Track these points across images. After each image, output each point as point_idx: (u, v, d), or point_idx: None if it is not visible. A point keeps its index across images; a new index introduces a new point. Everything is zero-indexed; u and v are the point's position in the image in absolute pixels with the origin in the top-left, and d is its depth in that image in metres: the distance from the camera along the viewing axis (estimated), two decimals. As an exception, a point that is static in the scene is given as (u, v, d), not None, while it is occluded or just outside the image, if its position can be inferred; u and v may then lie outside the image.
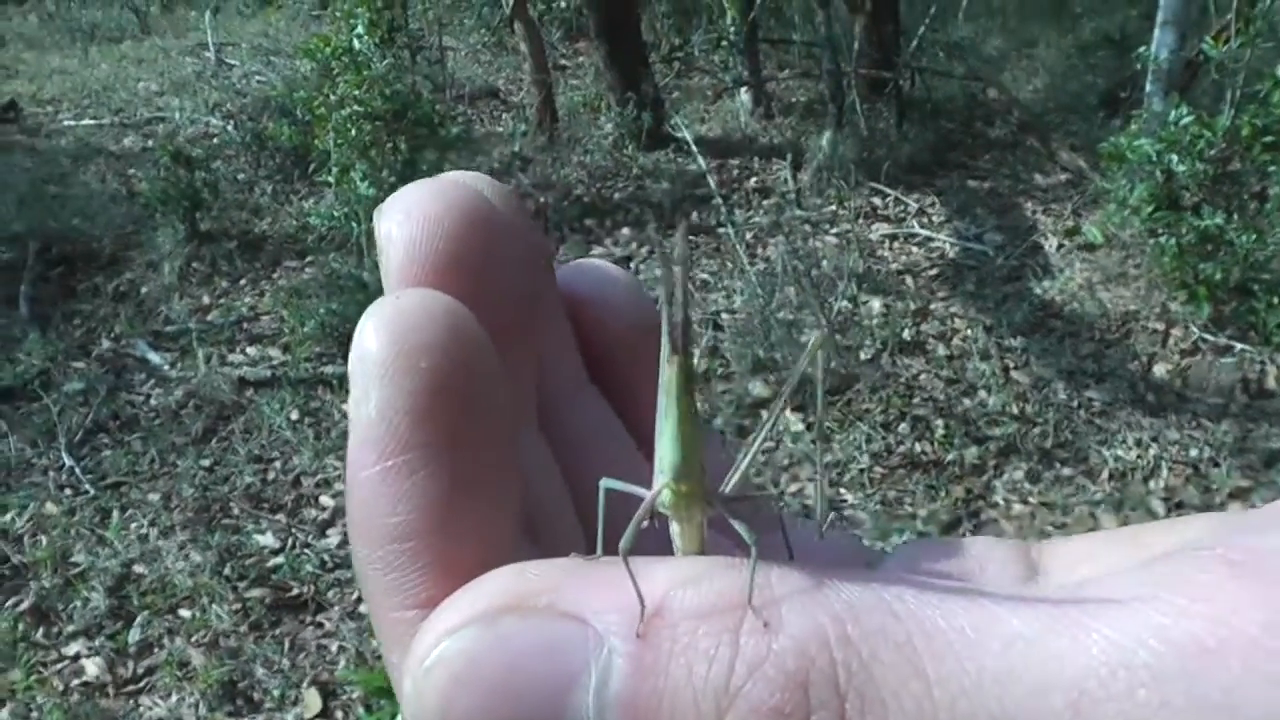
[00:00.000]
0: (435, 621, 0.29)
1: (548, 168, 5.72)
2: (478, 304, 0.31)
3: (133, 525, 3.40)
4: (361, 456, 0.30)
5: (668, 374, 0.31)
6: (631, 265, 4.79)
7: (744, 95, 6.37)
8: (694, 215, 5.13)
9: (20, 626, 3.01)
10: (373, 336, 0.30)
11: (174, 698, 2.81)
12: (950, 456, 3.49)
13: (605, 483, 0.33)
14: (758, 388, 3.86)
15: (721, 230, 4.81)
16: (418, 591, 0.30)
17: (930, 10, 6.16)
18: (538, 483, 0.33)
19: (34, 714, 2.77)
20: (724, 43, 6.65)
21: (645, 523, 0.32)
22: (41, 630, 2.98)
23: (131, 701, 2.82)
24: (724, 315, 4.27)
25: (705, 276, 4.61)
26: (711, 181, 5.09)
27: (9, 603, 3.10)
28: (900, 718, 0.25)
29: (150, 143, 6.46)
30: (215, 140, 6.40)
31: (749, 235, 4.89)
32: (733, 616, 0.27)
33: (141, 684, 2.87)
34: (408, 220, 0.33)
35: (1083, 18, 7.47)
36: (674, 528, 0.33)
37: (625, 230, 5.08)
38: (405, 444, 0.30)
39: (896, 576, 0.28)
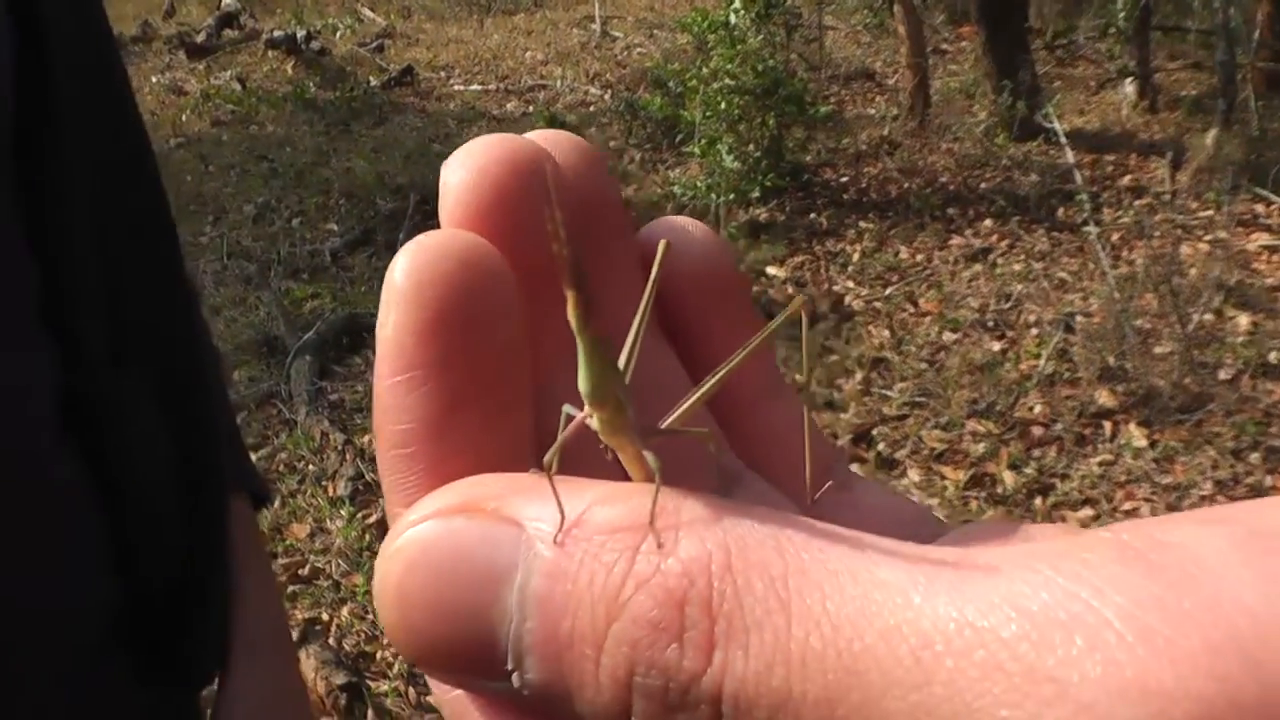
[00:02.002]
0: (407, 515, 0.34)
1: (915, 153, 5.86)
2: (517, 245, 0.36)
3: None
4: (380, 370, 0.36)
5: (569, 311, 0.35)
6: (991, 258, 4.81)
7: (1128, 86, 6.24)
8: (1061, 211, 5.10)
9: (367, 536, 3.48)
10: (397, 268, 0.35)
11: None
12: (1305, 497, 3.38)
13: (566, 408, 0.38)
14: (1103, 396, 3.87)
15: (1086, 229, 4.78)
16: (412, 493, 0.36)
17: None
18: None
19: (369, 615, 3.22)
20: (1112, 30, 6.47)
21: (610, 456, 0.38)
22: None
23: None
24: (1078, 318, 4.28)
25: (1064, 275, 4.69)
26: (1078, 177, 5.09)
27: (360, 514, 3.54)
28: (759, 645, 0.28)
29: (530, 109, 7.04)
30: (591, 108, 6.91)
31: (1114, 236, 4.85)
32: (635, 535, 0.31)
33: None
34: (461, 169, 0.37)
35: None
36: (620, 456, 0.38)
37: (988, 221, 5.20)
38: (411, 362, 0.35)
39: (806, 521, 0.31)
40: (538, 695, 0.32)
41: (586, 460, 0.38)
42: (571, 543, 0.32)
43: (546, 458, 0.34)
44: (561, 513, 0.32)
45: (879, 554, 0.30)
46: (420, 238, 0.36)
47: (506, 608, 0.32)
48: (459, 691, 0.35)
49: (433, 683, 0.36)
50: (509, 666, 0.32)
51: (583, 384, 0.36)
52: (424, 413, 0.35)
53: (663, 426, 0.38)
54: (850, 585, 0.29)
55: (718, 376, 0.39)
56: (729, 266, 0.43)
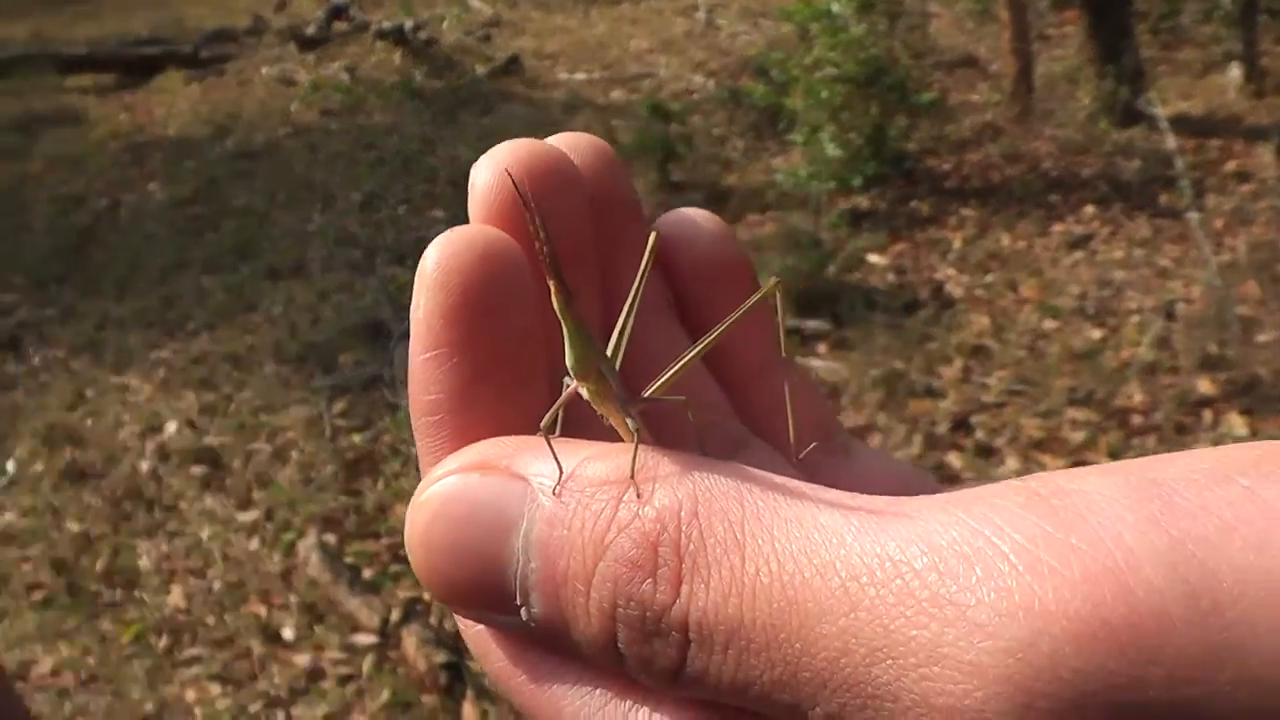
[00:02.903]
0: (433, 472, 0.41)
1: (1018, 139, 5.82)
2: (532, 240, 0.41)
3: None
4: (413, 347, 0.42)
5: (553, 299, 0.41)
6: (1092, 245, 4.77)
7: (1234, 70, 6.12)
8: (1163, 197, 5.04)
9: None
10: (428, 259, 0.42)
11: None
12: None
13: (566, 380, 0.43)
14: (1204, 385, 3.84)
15: (1189, 215, 4.73)
16: (440, 454, 0.42)
17: None
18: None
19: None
20: (1218, 12, 6.37)
21: (606, 422, 0.44)
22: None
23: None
24: (1179, 305, 4.24)
25: (1165, 263, 4.64)
26: (1179, 163, 5.01)
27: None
28: (718, 580, 0.34)
29: (635, 97, 7.11)
30: (695, 96, 6.96)
31: (1218, 222, 4.79)
32: (619, 487, 0.37)
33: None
34: (486, 171, 0.44)
35: None
36: (611, 421, 0.44)
37: (1090, 208, 5.16)
38: (439, 340, 0.41)
39: (765, 475, 0.37)
40: (541, 627, 0.38)
41: (588, 425, 0.44)
42: (567, 494, 0.38)
43: (544, 421, 0.41)
44: (560, 468, 0.38)
45: (824, 503, 0.35)
46: (450, 231, 0.42)
47: (514, 551, 0.38)
48: (481, 627, 0.41)
49: (458, 619, 0.42)
50: (518, 602, 0.38)
51: (569, 361, 0.42)
52: (450, 385, 0.41)
53: (645, 396, 0.44)
54: (796, 529, 0.34)
55: (695, 351, 0.44)
56: (734, 251, 0.49)
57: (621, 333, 0.44)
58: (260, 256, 5.59)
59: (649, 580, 0.35)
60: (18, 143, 7.60)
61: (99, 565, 3.53)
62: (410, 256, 5.40)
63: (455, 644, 3.05)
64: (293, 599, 3.30)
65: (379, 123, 7.45)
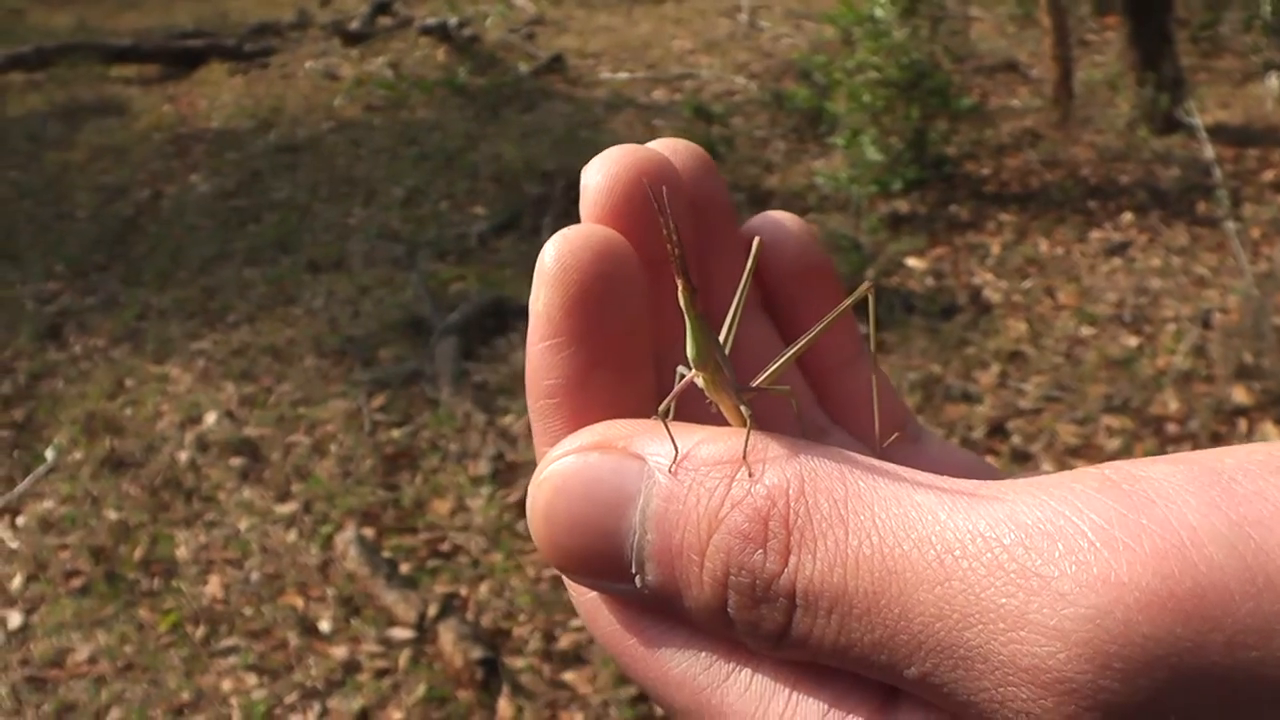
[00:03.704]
0: (553, 451, 0.44)
1: (1057, 145, 5.81)
2: (643, 237, 0.46)
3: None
4: (532, 336, 0.45)
5: (680, 295, 0.45)
6: (1130, 252, 4.76)
7: (1272, 80, 6.11)
8: (1201, 206, 5.02)
9: (506, 515, 3.59)
10: (547, 255, 0.45)
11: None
12: None
13: (680, 368, 0.47)
14: (1239, 394, 3.85)
15: (1226, 225, 4.71)
16: (556, 435, 0.45)
17: None
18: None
19: (507, 593, 3.31)
20: (1257, 22, 6.34)
21: (714, 409, 0.48)
22: (523, 524, 3.44)
23: (601, 605, 3.23)
24: (1216, 314, 4.24)
25: (1202, 271, 4.62)
26: (1217, 172, 4.99)
27: (500, 493, 3.65)
28: (824, 551, 0.38)
29: (677, 97, 7.12)
30: (737, 98, 6.97)
31: (1255, 232, 4.77)
32: (732, 467, 0.41)
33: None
34: (598, 174, 0.47)
35: None
36: (721, 407, 0.48)
37: (1128, 215, 5.14)
38: (558, 330, 0.44)
39: (864, 458, 0.41)
40: (655, 594, 0.41)
41: (695, 411, 0.47)
42: (682, 472, 0.41)
43: (661, 407, 0.44)
44: (676, 449, 0.42)
45: (918, 484, 0.39)
46: (566, 230, 0.45)
47: (631, 524, 0.41)
48: (593, 594, 0.44)
49: (571, 586, 0.45)
50: (633, 571, 0.41)
51: (690, 352, 0.46)
52: (567, 371, 0.45)
53: (754, 384, 0.48)
54: (894, 506, 0.38)
55: (798, 346, 0.48)
56: (819, 254, 0.53)
57: (730, 328, 0.49)
58: (301, 250, 5.61)
59: (760, 551, 0.39)
60: (62, 132, 7.65)
61: (137, 554, 3.55)
62: (452, 252, 5.44)
63: (492, 640, 3.07)
64: (330, 592, 3.32)
65: (422, 118, 7.48)
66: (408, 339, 4.65)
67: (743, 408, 0.46)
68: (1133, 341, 4.23)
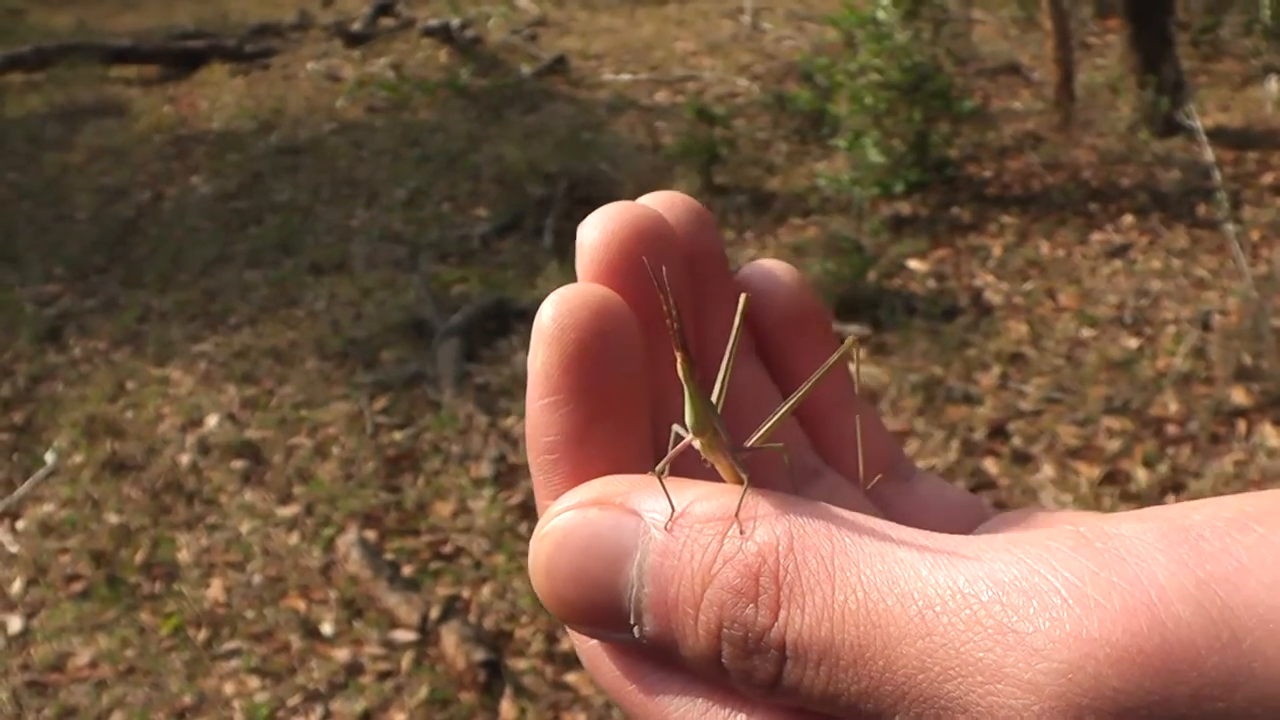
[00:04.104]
0: (554, 507, 0.45)
1: (1059, 148, 5.82)
2: (640, 295, 0.47)
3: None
4: (531, 394, 0.46)
5: (679, 367, 0.46)
6: (1131, 254, 4.77)
7: (1272, 83, 6.11)
8: (1201, 208, 5.04)
9: (509, 518, 3.58)
10: (545, 315, 0.46)
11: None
12: None
13: (676, 428, 0.48)
14: (1238, 395, 3.87)
15: (1225, 227, 4.72)
16: (556, 489, 0.46)
17: None
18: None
19: (509, 595, 3.32)
20: (1256, 25, 6.36)
21: (708, 465, 0.48)
22: (526, 524, 3.53)
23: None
24: (1215, 316, 4.24)
25: (1202, 273, 4.63)
26: (1217, 175, 5.00)
27: (502, 494, 3.66)
28: (812, 606, 0.39)
29: (680, 99, 7.14)
30: (739, 99, 6.99)
31: (1254, 234, 4.79)
32: (725, 524, 0.42)
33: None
34: (595, 231, 0.48)
35: None
36: (716, 466, 0.49)
37: (1129, 217, 5.16)
38: (556, 388, 0.45)
39: (850, 515, 0.42)
40: (652, 644, 0.43)
41: (692, 468, 0.48)
42: (677, 529, 0.42)
43: (658, 466, 0.45)
44: (671, 506, 0.43)
45: (902, 541, 0.40)
46: (563, 290, 0.46)
47: (629, 578, 0.43)
48: (594, 643, 0.46)
49: (574, 635, 0.46)
50: (631, 622, 0.43)
51: (689, 419, 0.47)
52: (566, 428, 0.46)
53: (749, 444, 0.49)
54: (879, 562, 0.39)
55: (789, 403, 0.50)
56: (811, 302, 0.55)
57: (722, 387, 0.49)
58: (303, 252, 5.62)
59: (751, 605, 0.40)
60: (61, 133, 7.65)
61: (138, 557, 3.56)
62: (454, 254, 5.45)
63: (494, 642, 3.07)
64: (332, 594, 3.33)
65: (424, 120, 7.49)
66: (410, 341, 4.65)
67: (738, 468, 0.48)
68: (1133, 343, 4.23)
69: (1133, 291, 4.57)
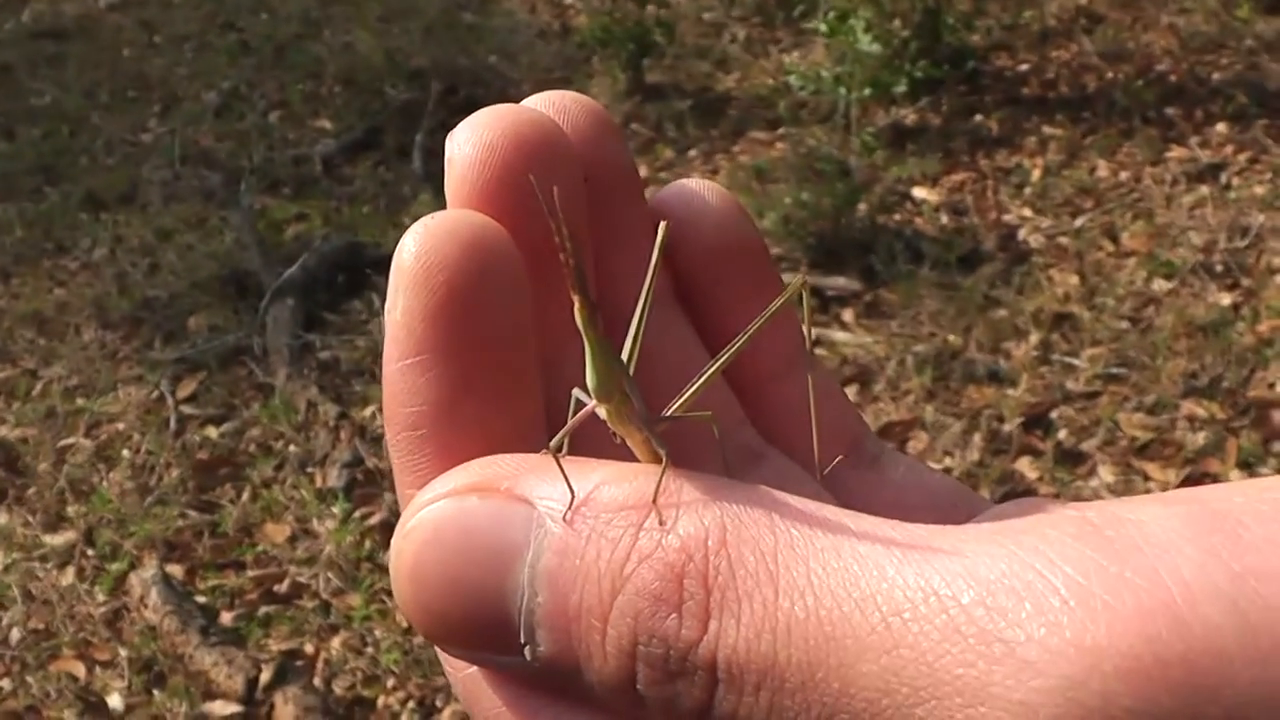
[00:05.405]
0: (421, 495, 0.48)
1: (1124, 30, 5.86)
2: (524, 225, 0.50)
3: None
4: (390, 352, 0.49)
5: (576, 314, 0.48)
6: (1223, 178, 4.81)
7: None
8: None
9: (367, 543, 3.64)
10: (405, 250, 0.48)
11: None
12: None
13: (576, 394, 0.51)
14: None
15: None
16: (423, 474, 0.49)
17: None
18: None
19: (368, 649, 3.35)
20: None
21: (618, 440, 0.52)
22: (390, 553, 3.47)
23: (484, 663, 3.24)
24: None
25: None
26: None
27: (358, 513, 3.71)
28: (749, 614, 0.41)
29: (591, -40, 7.01)
30: (678, -38, 6.89)
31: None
32: (639, 513, 0.44)
33: (503, 643, 3.30)
34: (467, 145, 0.50)
35: None
36: (627, 440, 0.52)
37: (1221, 126, 5.20)
38: (421, 345, 0.48)
39: (798, 501, 0.44)
40: (548, 668, 0.45)
41: (596, 442, 0.51)
42: (579, 520, 0.44)
43: (554, 441, 0.48)
44: (571, 491, 0.45)
45: (862, 533, 0.42)
46: (427, 220, 0.49)
47: (518, 583, 0.45)
48: (472, 669, 0.48)
49: (445, 661, 0.49)
50: (521, 641, 0.45)
51: (590, 381, 0.50)
52: (434, 395, 0.48)
53: (668, 414, 0.52)
54: (833, 559, 0.41)
55: (720, 360, 0.52)
56: (746, 232, 0.58)
57: (635, 341, 0.52)
58: (75, 179, 5.59)
59: (673, 615, 0.42)
60: None
61: None
62: (287, 182, 5.43)
63: (348, 713, 3.10)
64: (123, 653, 3.32)
65: (241, -6, 7.45)
66: (228, 302, 4.64)
67: (654, 442, 0.50)
68: (1226, 299, 4.28)
69: (1226, 228, 4.61)
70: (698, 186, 0.57)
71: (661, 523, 0.43)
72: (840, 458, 0.56)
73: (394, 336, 0.48)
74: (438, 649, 0.49)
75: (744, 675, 0.41)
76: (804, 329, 0.58)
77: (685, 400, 0.52)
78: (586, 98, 0.55)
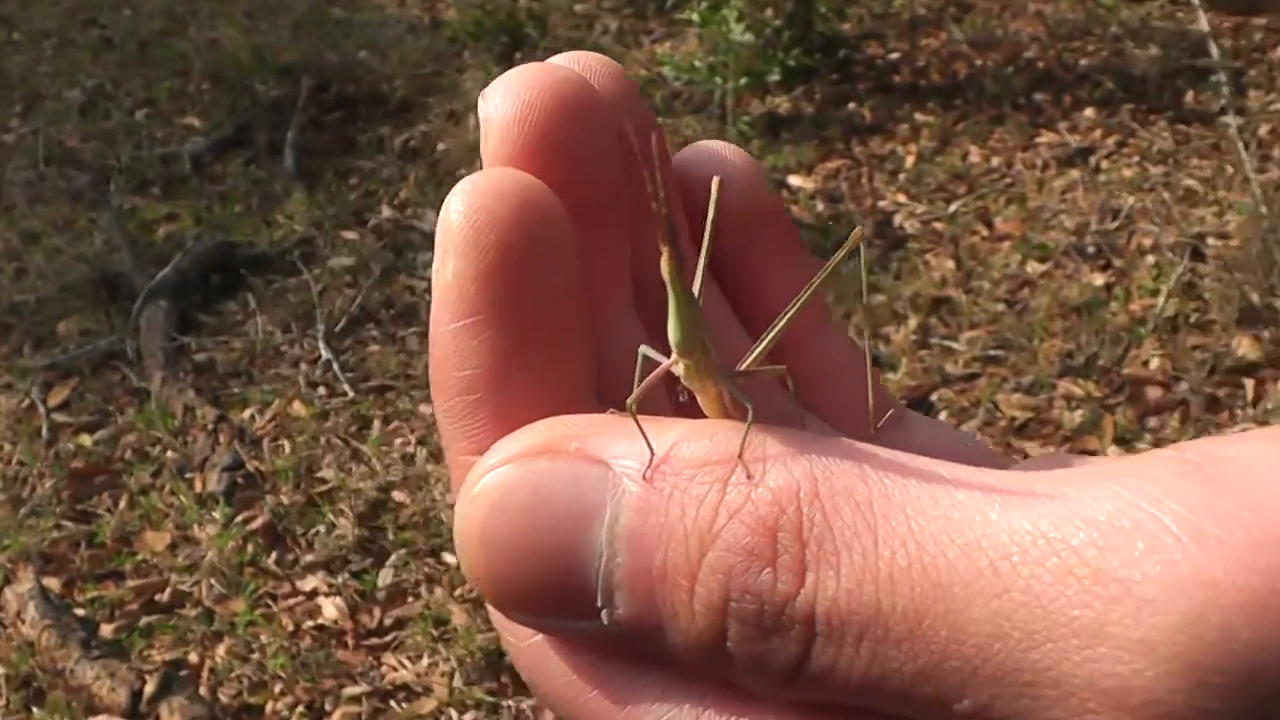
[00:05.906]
0: (484, 459, 0.47)
1: (993, 18, 5.92)
2: (567, 183, 0.49)
3: (396, 441, 3.98)
4: (439, 315, 0.48)
5: (663, 265, 0.48)
6: (1093, 161, 4.86)
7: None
8: (1190, 95, 5.14)
9: (250, 547, 3.59)
10: (453, 210, 0.47)
11: (424, 661, 3.27)
12: None
13: (643, 349, 0.51)
14: (1244, 346, 3.99)
15: (1224, 120, 4.82)
16: (480, 438, 0.48)
17: None
18: (622, 354, 0.52)
19: (254, 655, 3.31)
20: None
21: (684, 397, 0.52)
22: (274, 555, 3.52)
23: (372, 658, 3.30)
24: (1210, 241, 4.43)
25: (1192, 184, 4.74)
26: (1215, 49, 5.10)
27: (240, 517, 3.65)
28: (849, 565, 0.41)
29: (463, -46, 6.98)
30: (547, -46, 6.87)
31: (1263, 129, 4.93)
32: (724, 468, 0.43)
33: (387, 638, 3.35)
34: (504, 104, 0.49)
35: None
36: (699, 397, 0.51)
37: (1089, 111, 5.25)
38: (474, 307, 0.47)
39: (885, 451, 0.44)
40: (627, 631, 0.44)
41: (653, 400, 0.51)
42: (660, 478, 0.44)
43: (630, 400, 0.47)
44: (650, 449, 0.44)
45: (956, 479, 0.42)
46: (474, 178, 0.48)
47: (595, 545, 0.44)
48: (538, 638, 0.47)
49: (506, 631, 0.48)
50: (599, 604, 0.44)
51: (673, 334, 0.49)
52: (488, 357, 0.48)
53: (740, 369, 0.52)
54: (931, 506, 0.41)
55: (788, 316, 0.52)
56: (766, 195, 0.58)
57: (699, 297, 0.51)
58: (-67, 181, 5.50)
59: (768, 569, 0.41)
60: None
61: None
62: (156, 181, 5.37)
63: (236, 722, 3.06)
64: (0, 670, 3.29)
65: (103, -11, 7.35)
66: (99, 305, 4.58)
67: (738, 395, 0.49)
68: (1099, 280, 4.34)
69: (1097, 211, 4.67)
70: (720, 148, 0.57)
71: (749, 477, 0.43)
72: (891, 411, 0.56)
73: (444, 299, 0.48)
74: (497, 620, 0.48)
75: (845, 627, 0.40)
76: (863, 278, 0.58)
77: (757, 355, 0.52)
78: (608, 58, 0.54)
